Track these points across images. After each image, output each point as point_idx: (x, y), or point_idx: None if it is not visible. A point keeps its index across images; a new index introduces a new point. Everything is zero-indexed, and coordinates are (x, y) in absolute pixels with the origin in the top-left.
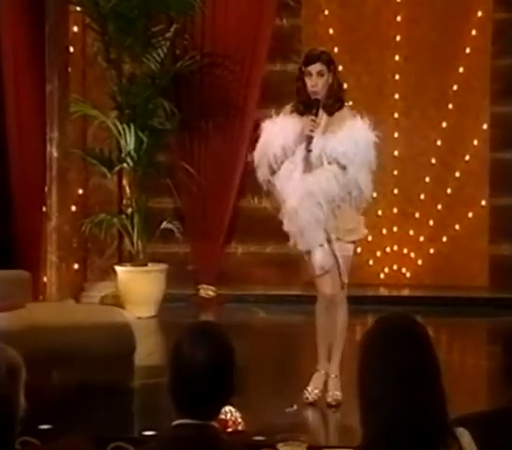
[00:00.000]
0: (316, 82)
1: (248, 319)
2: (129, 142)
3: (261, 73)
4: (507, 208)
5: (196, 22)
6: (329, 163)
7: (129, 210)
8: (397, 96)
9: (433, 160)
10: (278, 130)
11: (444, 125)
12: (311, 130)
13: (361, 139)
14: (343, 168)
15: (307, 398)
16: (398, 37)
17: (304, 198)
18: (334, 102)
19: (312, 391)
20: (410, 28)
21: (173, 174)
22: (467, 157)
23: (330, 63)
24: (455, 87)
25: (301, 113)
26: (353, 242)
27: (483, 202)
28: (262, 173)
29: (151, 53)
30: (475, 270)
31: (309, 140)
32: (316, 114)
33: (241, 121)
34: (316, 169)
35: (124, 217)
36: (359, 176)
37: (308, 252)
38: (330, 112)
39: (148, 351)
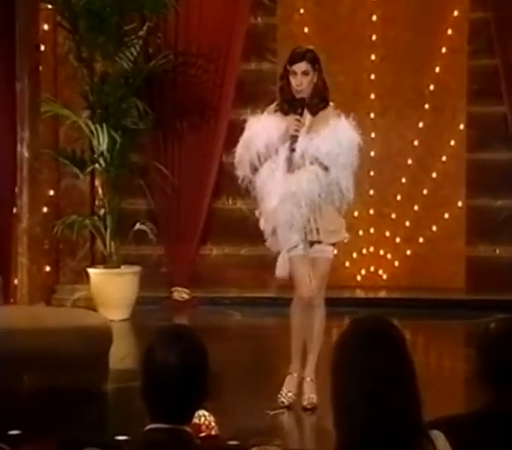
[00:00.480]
0: (301, 82)
1: (222, 321)
2: (102, 142)
3: (235, 72)
4: (484, 209)
5: (169, 20)
6: (311, 163)
7: (102, 211)
8: (373, 96)
9: (410, 161)
10: (262, 128)
11: (421, 125)
12: (296, 130)
13: (344, 139)
14: (326, 168)
15: (282, 402)
16: (373, 37)
17: (284, 198)
18: (318, 102)
19: (286, 394)
20: (386, 27)
21: (146, 175)
22: (444, 158)
23: (315, 62)
24: (431, 87)
25: (285, 113)
26: (334, 244)
27: (460, 203)
28: (242, 170)
29: (124, 52)
30: (452, 272)
31: (294, 139)
32: (301, 114)
33: (216, 121)
34: (299, 169)
35: (96, 218)
36: (341, 177)
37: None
38: (314, 112)
39: (121, 354)
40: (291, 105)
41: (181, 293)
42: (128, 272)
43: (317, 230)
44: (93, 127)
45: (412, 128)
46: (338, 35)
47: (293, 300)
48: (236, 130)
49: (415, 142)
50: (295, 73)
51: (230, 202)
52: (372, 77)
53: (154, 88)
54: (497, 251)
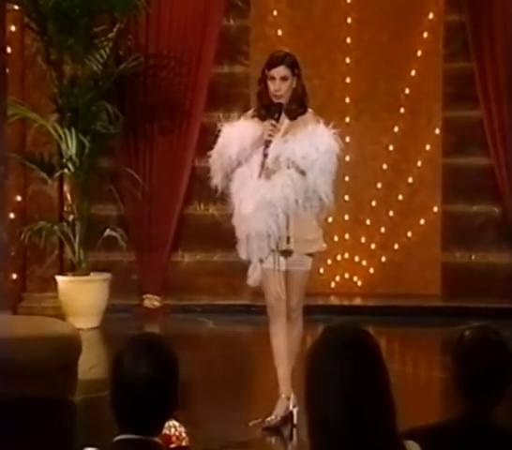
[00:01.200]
0: (279, 87)
1: (194, 330)
2: (71, 146)
3: (207, 75)
4: (460, 215)
5: (140, 22)
6: (288, 168)
7: (71, 217)
8: (347, 99)
9: (385, 166)
10: (237, 134)
11: (396, 129)
12: (270, 135)
13: (322, 144)
14: (302, 173)
15: (264, 423)
16: (348, 40)
17: (260, 206)
18: (297, 107)
19: (272, 420)
20: (360, 30)
21: (116, 180)
22: (419, 163)
23: (294, 66)
24: (407, 91)
25: (263, 118)
26: (311, 255)
27: (435, 209)
28: (216, 177)
29: (93, 54)
30: (428, 278)
31: (267, 144)
32: (277, 119)
33: (187, 125)
34: (273, 174)
35: (65, 224)
36: (319, 183)
37: (249, 262)
38: (292, 117)
39: (90, 363)
40: (268, 110)
41: (152, 301)
42: (97, 279)
43: (288, 238)
44: (61, 131)
45: (387, 133)
46: (312, 37)
47: (269, 317)
48: (209, 134)
49: (391, 147)
50: (274, 78)
51: (202, 207)
52: (347, 80)
53: (124, 91)
54: (473, 257)
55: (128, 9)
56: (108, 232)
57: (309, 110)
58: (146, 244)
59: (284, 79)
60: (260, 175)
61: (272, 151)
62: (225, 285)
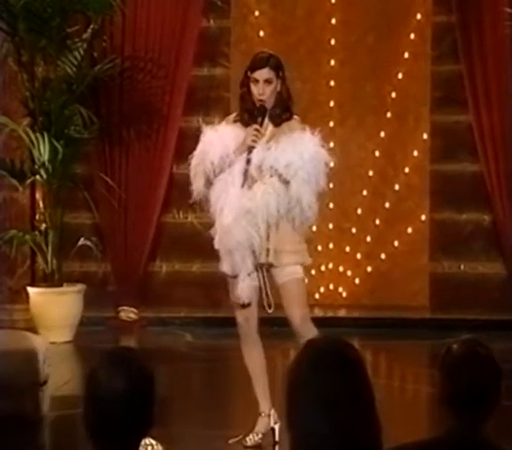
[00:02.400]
0: (263, 90)
1: (172, 343)
2: (43, 151)
3: (186, 78)
4: (449, 223)
5: (115, 22)
6: (271, 176)
7: (43, 226)
8: (332, 103)
9: (371, 172)
10: (218, 139)
11: (383, 134)
12: (253, 140)
13: (307, 152)
14: (285, 182)
15: (246, 441)
16: (332, 41)
17: (240, 216)
18: (281, 112)
19: (253, 437)
20: (345, 31)
21: (91, 187)
22: (406, 169)
23: (279, 68)
24: (393, 94)
25: (245, 123)
26: (300, 264)
27: (423, 217)
28: (197, 185)
29: (67, 56)
30: (415, 289)
31: (251, 150)
32: (261, 123)
33: (165, 129)
34: (256, 182)
35: (37, 233)
36: (302, 192)
37: (234, 276)
38: (277, 123)
39: (63, 379)
40: (251, 115)
41: (128, 313)
42: (71, 291)
43: (267, 250)
44: (33, 136)
45: (373, 138)
46: (296, 39)
47: (240, 336)
48: (187, 139)
49: (377, 153)
50: (257, 81)
51: (180, 215)
52: (331, 83)
53: (99, 95)
54: (462, 267)
55: (102, 9)
56: (82, 241)
57: (295, 117)
58: (122, 253)
59: (268, 82)
60: (243, 184)
61: (254, 158)
62: (205, 297)
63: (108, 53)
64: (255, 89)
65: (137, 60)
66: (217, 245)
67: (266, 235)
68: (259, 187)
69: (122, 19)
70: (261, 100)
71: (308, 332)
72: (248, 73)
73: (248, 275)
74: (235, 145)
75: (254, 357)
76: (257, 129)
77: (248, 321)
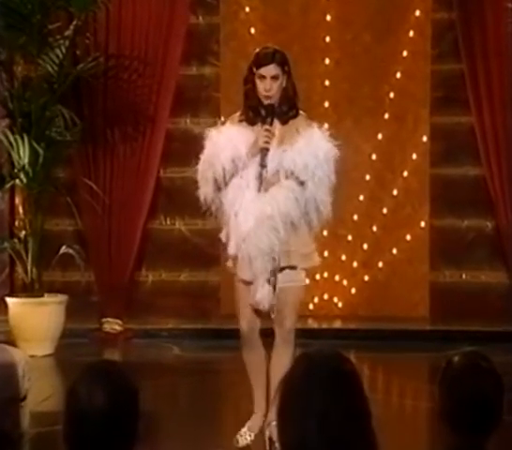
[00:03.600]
0: (271, 87)
1: (159, 357)
2: (23, 155)
3: (174, 77)
4: (449, 230)
5: (99, 18)
6: (286, 178)
7: (23, 233)
8: (327, 104)
9: (368, 176)
10: (227, 141)
11: (380, 136)
12: (266, 142)
13: (321, 150)
14: (302, 183)
15: (237, 441)
16: (327, 39)
17: (260, 222)
18: (288, 109)
19: (244, 434)
20: (341, 29)
21: (73, 192)
22: (405, 173)
23: (285, 63)
24: (391, 95)
25: (251, 122)
26: (306, 269)
27: (422, 224)
28: (205, 190)
29: (48, 54)
30: (415, 299)
31: (264, 152)
32: (271, 123)
33: (151, 131)
34: (272, 186)
35: (16, 241)
36: (318, 194)
37: (250, 282)
38: (284, 121)
39: (43, 394)
40: (257, 113)
41: (113, 325)
42: (52, 301)
43: (288, 254)
44: (13, 138)
45: (370, 140)
46: (289, 36)
47: (241, 341)
48: (174, 142)
49: (374, 156)
50: (264, 77)
51: (168, 222)
52: (326, 83)
53: (82, 95)
54: (464, 276)
55: (85, 5)
56: (64, 249)
57: (302, 113)
58: (106, 262)
59: (275, 78)
60: (259, 189)
61: (270, 163)
62: (193, 307)
63: (91, 51)
64: (261, 86)
65: (122, 58)
66: (232, 250)
67: (286, 240)
68: (278, 192)
69: (106, 15)
70: (267, 97)
71: (290, 341)
72: (253, 69)
73: (268, 282)
74: (246, 147)
75: (254, 359)
76: (268, 130)
77: (252, 325)
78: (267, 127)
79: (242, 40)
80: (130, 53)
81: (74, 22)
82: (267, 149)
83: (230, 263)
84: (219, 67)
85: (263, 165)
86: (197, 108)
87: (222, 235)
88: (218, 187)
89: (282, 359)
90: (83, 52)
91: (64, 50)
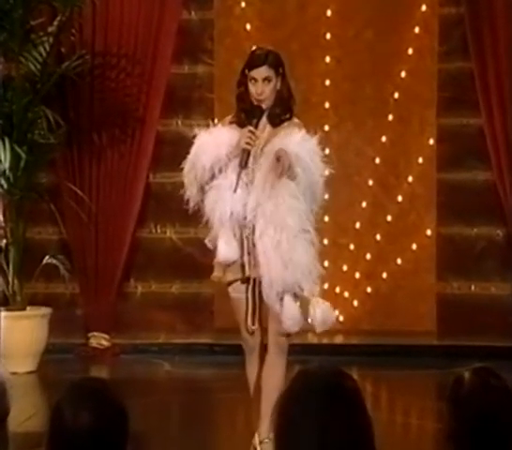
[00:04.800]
0: (262, 90)
1: (149, 374)
2: (4, 159)
3: (164, 76)
4: (458, 238)
5: (85, 14)
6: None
7: (3, 242)
8: (327, 104)
9: (370, 181)
10: (211, 141)
11: (384, 139)
12: (248, 143)
13: (303, 152)
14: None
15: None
16: (328, 36)
17: (291, 234)
18: (281, 112)
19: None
20: (342, 25)
21: (57, 198)
22: (410, 178)
23: (279, 65)
24: (395, 95)
25: (242, 125)
26: None
27: (429, 232)
28: (190, 193)
29: (30, 52)
30: (421, 312)
31: (245, 154)
32: (256, 125)
33: (141, 134)
34: (253, 188)
35: None
36: (313, 182)
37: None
38: (276, 124)
39: (26, 414)
40: (249, 115)
41: (99, 340)
42: (35, 315)
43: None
44: None
45: (373, 143)
46: (286, 33)
47: (244, 352)
48: (165, 145)
49: (377, 160)
50: (255, 80)
51: (158, 229)
52: (326, 83)
53: (67, 95)
54: (473, 288)
55: None
56: (47, 259)
57: (296, 120)
58: (92, 273)
59: (267, 80)
60: (235, 190)
61: (252, 163)
62: (185, 321)
63: (77, 49)
64: (253, 88)
65: (109, 56)
66: (225, 255)
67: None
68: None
69: (92, 10)
70: (259, 100)
71: (280, 351)
72: (246, 71)
73: (234, 284)
74: (229, 148)
75: (252, 370)
76: (251, 131)
77: (252, 334)
78: (251, 128)
79: (237, 37)
80: (118, 51)
81: (58, 18)
82: (248, 150)
83: (218, 273)
84: (213, 65)
85: (242, 166)
86: (189, 109)
87: (208, 241)
88: (202, 188)
89: (276, 370)
90: (68, 50)
91: (47, 47)
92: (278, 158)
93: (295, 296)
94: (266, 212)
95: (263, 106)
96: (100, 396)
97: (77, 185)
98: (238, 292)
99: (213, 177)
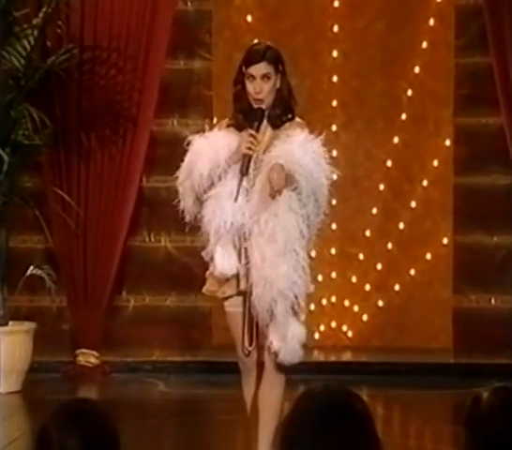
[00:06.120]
0: (261, 88)
1: (142, 394)
2: None
3: (159, 72)
4: (476, 247)
5: (73, 4)
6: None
7: None
8: (334, 103)
9: (382, 186)
10: (208, 147)
11: (396, 140)
12: (249, 148)
13: (306, 156)
14: (296, 188)
15: None
16: (335, 28)
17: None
18: (282, 112)
19: None
20: (351, 16)
21: (43, 204)
22: (425, 183)
23: (278, 61)
24: (409, 92)
25: (240, 127)
26: None
27: (445, 240)
28: (186, 203)
29: (14, 46)
30: (436, 328)
31: (246, 159)
32: (258, 128)
33: (134, 134)
34: (252, 195)
35: None
36: (318, 193)
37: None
38: (277, 125)
39: (10, 437)
40: (248, 117)
41: (88, 357)
42: (18, 330)
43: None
44: None
45: (384, 145)
46: (290, 25)
47: (241, 371)
48: (160, 146)
49: (389, 163)
50: (253, 77)
51: (152, 238)
52: (334, 79)
53: (53, 92)
54: (493, 301)
55: None
56: (32, 269)
57: (298, 120)
58: (81, 285)
59: (266, 77)
60: (236, 199)
61: (254, 169)
62: (181, 337)
63: (64, 42)
64: (251, 87)
65: (99, 50)
66: (222, 269)
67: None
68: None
69: (80, 0)
70: (258, 100)
71: (277, 368)
72: (243, 69)
73: (229, 299)
74: (228, 153)
75: (251, 400)
76: (252, 135)
77: (249, 354)
78: (252, 132)
79: (237, 30)
80: (109, 45)
81: (44, 9)
82: (250, 156)
83: (212, 286)
84: (211, 60)
85: (243, 173)
86: (185, 108)
87: (205, 253)
88: (199, 198)
89: (274, 390)
90: (54, 44)
91: (32, 40)
92: (269, 179)
93: (294, 315)
94: (261, 222)
95: (263, 106)
96: (89, 418)
97: (64, 189)
98: (234, 305)
99: (211, 186)
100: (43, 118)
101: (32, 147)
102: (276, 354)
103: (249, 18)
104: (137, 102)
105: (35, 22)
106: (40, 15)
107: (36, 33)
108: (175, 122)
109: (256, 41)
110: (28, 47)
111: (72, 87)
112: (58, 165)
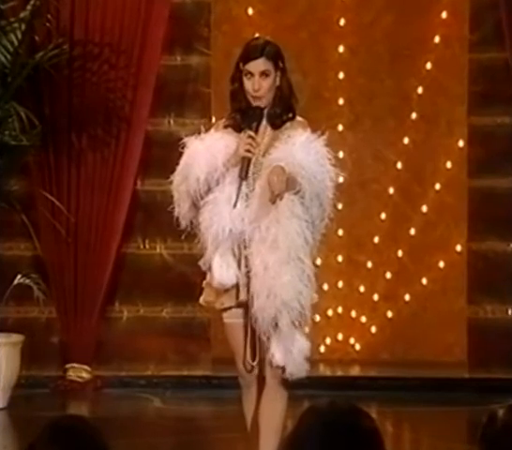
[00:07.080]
0: (259, 85)
1: (136, 410)
2: None
3: (154, 69)
4: (491, 254)
5: None
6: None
7: None
8: (341, 101)
9: (391, 190)
10: (205, 149)
11: (406, 141)
12: (248, 150)
13: (308, 158)
14: (299, 190)
15: None
16: (341, 22)
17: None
18: (282, 111)
19: None
20: (358, 9)
21: (31, 209)
22: (437, 186)
23: (278, 58)
24: (420, 90)
25: (238, 128)
26: None
27: (459, 247)
28: (181, 209)
29: (0, 40)
30: (449, 340)
31: (245, 162)
32: (257, 129)
33: (127, 135)
34: (252, 199)
35: None
36: (323, 198)
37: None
38: (277, 125)
39: None
40: (246, 117)
41: (79, 372)
42: (5, 343)
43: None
44: None
45: (394, 146)
46: (294, 18)
47: (241, 385)
48: (155, 147)
49: (399, 165)
50: (251, 74)
51: (146, 245)
52: (340, 76)
53: (42, 90)
54: (510, 312)
55: None
56: (19, 279)
57: (300, 119)
58: (71, 295)
59: (265, 74)
60: (235, 205)
61: (253, 172)
62: (177, 350)
63: (53, 37)
64: (249, 84)
65: (90, 45)
66: (217, 282)
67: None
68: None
69: None
70: (256, 98)
71: (279, 382)
72: (241, 65)
73: (228, 310)
74: (226, 156)
75: (251, 416)
76: (251, 137)
77: (250, 370)
78: (251, 133)
79: (237, 23)
80: (101, 40)
81: (32, 2)
82: (249, 159)
83: (209, 297)
84: (210, 55)
85: (242, 177)
86: (182, 106)
87: (202, 263)
88: (195, 203)
89: (275, 405)
90: (43, 38)
91: (19, 35)
92: (269, 182)
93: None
94: (262, 229)
95: (262, 104)
96: (80, 436)
97: (53, 193)
98: (234, 317)
99: (208, 191)
100: (31, 117)
101: (19, 148)
102: (280, 369)
103: (250, 10)
104: (131, 100)
105: (22, 15)
106: (28, 8)
107: (23, 27)
108: (172, 121)
109: (256, 36)
110: (15, 42)
111: (62, 84)
112: (47, 167)
